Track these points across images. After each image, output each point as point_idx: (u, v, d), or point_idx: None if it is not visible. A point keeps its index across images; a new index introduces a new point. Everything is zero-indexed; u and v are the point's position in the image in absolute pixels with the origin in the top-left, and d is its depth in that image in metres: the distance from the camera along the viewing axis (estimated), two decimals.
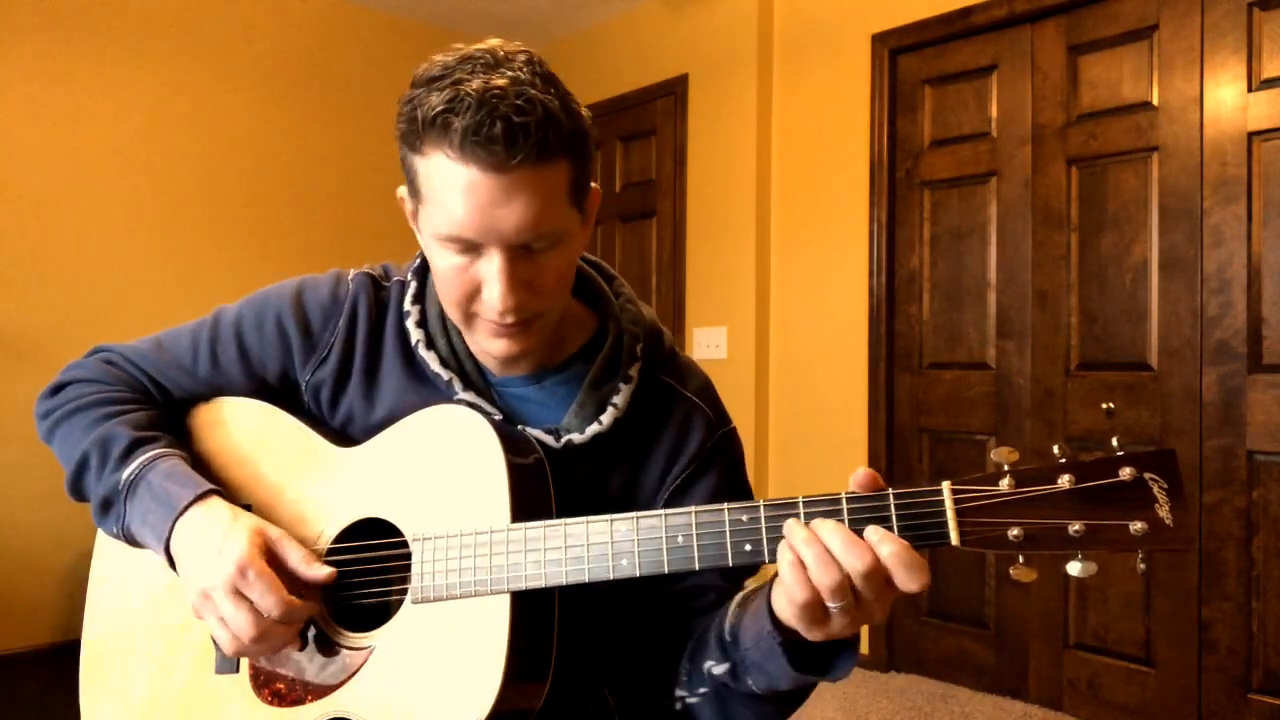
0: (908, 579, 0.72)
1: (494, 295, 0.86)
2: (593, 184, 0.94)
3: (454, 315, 0.92)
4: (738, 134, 3.64)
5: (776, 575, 0.81)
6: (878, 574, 0.73)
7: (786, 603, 0.76)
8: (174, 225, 3.61)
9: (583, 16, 4.18)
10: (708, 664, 0.90)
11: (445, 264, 0.88)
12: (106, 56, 3.44)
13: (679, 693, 0.95)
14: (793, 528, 0.75)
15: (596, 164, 0.94)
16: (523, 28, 4.30)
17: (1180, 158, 2.63)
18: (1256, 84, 2.50)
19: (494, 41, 0.86)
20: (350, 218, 4.09)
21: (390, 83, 4.20)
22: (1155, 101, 2.68)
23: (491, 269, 0.85)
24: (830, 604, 0.74)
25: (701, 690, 0.92)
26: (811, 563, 0.73)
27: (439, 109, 0.80)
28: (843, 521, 0.75)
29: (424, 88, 0.83)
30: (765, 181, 3.61)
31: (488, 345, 0.92)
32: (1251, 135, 2.50)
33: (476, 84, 0.80)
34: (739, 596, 0.91)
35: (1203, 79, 2.58)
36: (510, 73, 0.82)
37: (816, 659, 0.82)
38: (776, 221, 3.61)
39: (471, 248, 0.85)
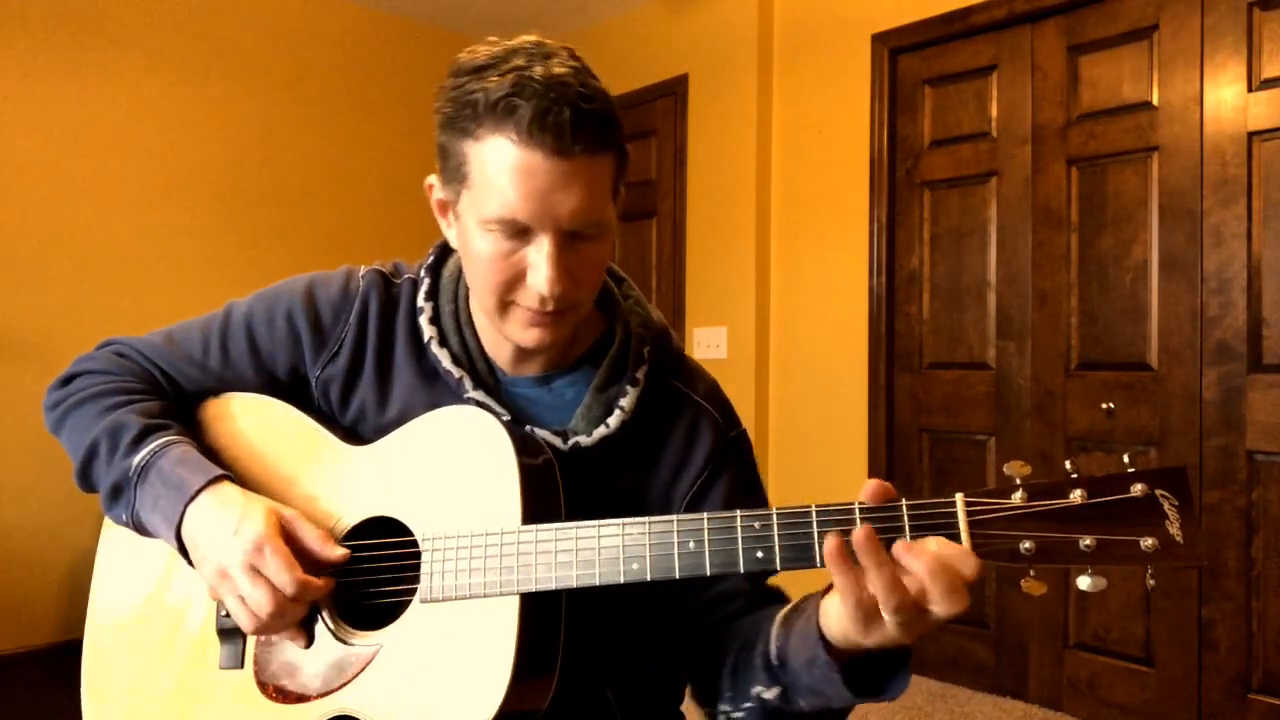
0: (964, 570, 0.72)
1: (540, 280, 0.86)
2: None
3: (488, 303, 0.92)
4: (738, 134, 3.64)
5: (823, 592, 0.80)
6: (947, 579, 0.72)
7: (843, 612, 0.75)
8: (175, 225, 3.60)
9: (583, 16, 4.19)
10: (756, 689, 0.89)
11: (489, 249, 0.87)
12: (107, 57, 3.44)
13: (722, 707, 0.95)
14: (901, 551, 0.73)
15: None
16: (523, 28, 4.25)
17: (1180, 158, 2.63)
18: (1256, 84, 2.50)
19: (533, 36, 0.88)
20: (353, 217, 4.09)
21: (391, 82, 4.21)
22: (1155, 101, 2.68)
23: (540, 255, 0.86)
24: (890, 617, 0.73)
25: (747, 706, 0.92)
26: (879, 585, 0.72)
27: (503, 93, 0.81)
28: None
29: (471, 75, 0.84)
30: (765, 181, 3.61)
31: (520, 334, 0.92)
32: (1251, 135, 2.50)
33: (539, 70, 0.82)
34: (780, 615, 0.90)
35: (1203, 79, 2.59)
36: (568, 63, 0.84)
37: (872, 680, 0.82)
38: (776, 221, 3.61)
39: (520, 233, 0.86)
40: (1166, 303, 2.65)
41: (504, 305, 0.91)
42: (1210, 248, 2.57)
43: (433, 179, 0.94)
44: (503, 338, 0.96)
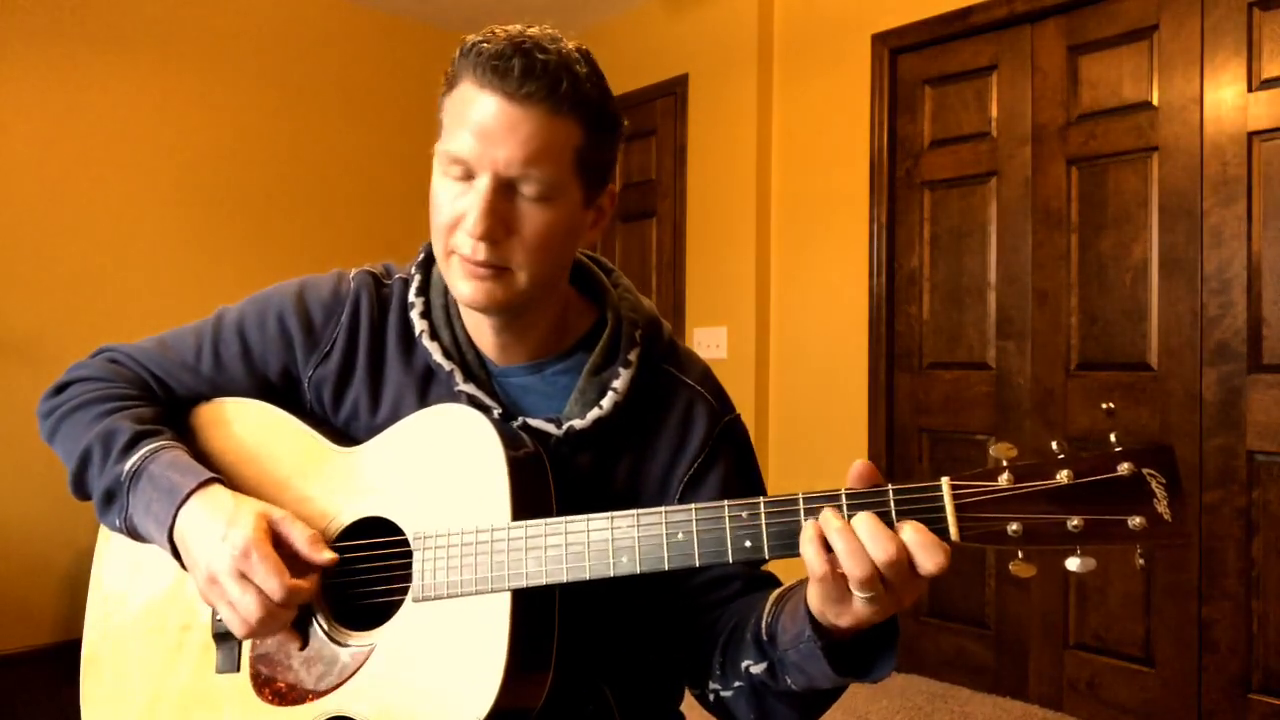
0: (926, 559, 0.73)
1: (471, 220, 0.88)
2: (611, 183, 0.98)
3: (437, 250, 0.94)
4: (738, 134, 3.64)
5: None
6: (902, 563, 0.73)
7: (816, 591, 0.77)
8: (174, 225, 3.61)
9: (583, 16, 4.19)
10: (745, 663, 0.91)
11: (439, 189, 0.91)
12: (107, 57, 3.44)
13: (712, 685, 0.97)
14: (829, 518, 0.75)
15: (618, 163, 0.99)
16: None
17: (1180, 158, 2.63)
18: (1256, 84, 2.50)
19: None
20: (351, 217, 4.09)
21: (390, 82, 4.21)
22: (1155, 101, 2.68)
23: (475, 194, 0.87)
24: (857, 593, 0.75)
25: (737, 684, 0.93)
26: (842, 552, 0.74)
27: (474, 42, 0.87)
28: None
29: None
30: (765, 181, 3.61)
31: (459, 287, 0.93)
32: (1251, 135, 2.50)
33: (514, 28, 0.88)
34: (774, 594, 0.92)
35: (1203, 79, 2.58)
36: (548, 33, 0.89)
37: (856, 661, 0.83)
38: (776, 221, 3.61)
39: (467, 175, 0.88)
40: (1166, 303, 2.65)
41: (448, 254, 0.92)
42: (1210, 248, 2.57)
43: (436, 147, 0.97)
44: (460, 302, 0.97)
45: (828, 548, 0.75)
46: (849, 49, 3.36)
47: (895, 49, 3.23)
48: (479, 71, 0.86)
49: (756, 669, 0.90)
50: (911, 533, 0.73)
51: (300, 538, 0.91)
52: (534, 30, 0.88)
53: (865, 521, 0.74)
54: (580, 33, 4.28)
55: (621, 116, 0.95)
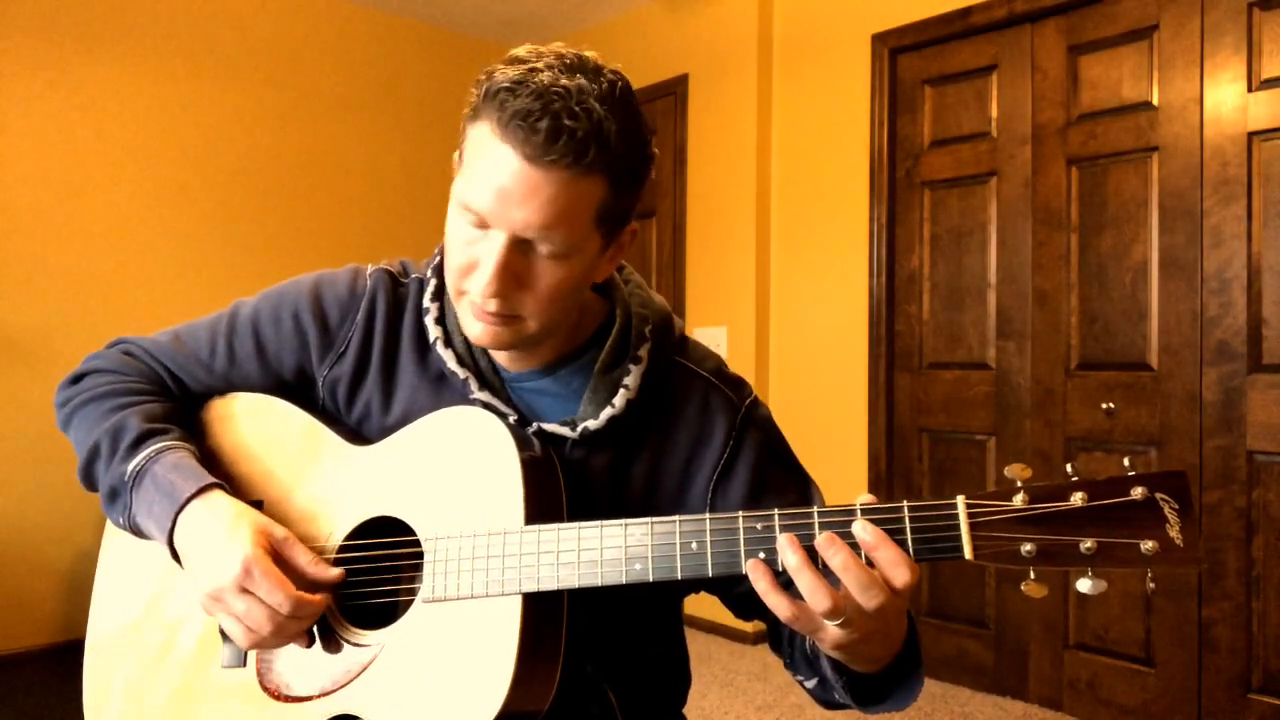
0: (894, 574, 0.75)
1: (482, 277, 0.86)
2: (632, 225, 0.94)
3: (449, 285, 0.92)
4: (738, 134, 3.64)
5: None
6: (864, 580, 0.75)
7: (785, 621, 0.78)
8: (176, 225, 3.60)
9: (583, 16, 4.19)
10: (799, 677, 0.98)
11: (456, 231, 0.88)
12: (107, 56, 3.44)
13: (786, 661, 1.02)
14: (788, 554, 0.77)
15: (635, 202, 0.94)
16: (523, 28, 4.30)
17: (1180, 158, 2.63)
18: (1256, 84, 2.50)
19: (591, 53, 0.87)
20: (351, 217, 4.09)
21: (393, 82, 4.21)
22: (1155, 101, 2.68)
23: (489, 251, 0.85)
24: (828, 622, 0.76)
25: (806, 684, 0.98)
26: (805, 590, 0.76)
27: (504, 84, 0.82)
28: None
29: (504, 65, 0.85)
30: (765, 181, 3.61)
31: (467, 325, 0.92)
32: (1251, 135, 2.50)
33: (547, 76, 0.81)
34: None
35: (1203, 79, 2.59)
36: (584, 80, 0.82)
37: (882, 687, 0.87)
38: (776, 221, 3.61)
39: (483, 224, 0.85)
40: (1166, 303, 2.65)
41: (459, 293, 0.91)
42: (1210, 248, 2.57)
43: (456, 155, 0.95)
44: (468, 338, 0.96)
45: (787, 585, 0.77)
46: (849, 49, 3.36)
47: (895, 49, 3.24)
48: (504, 122, 0.81)
49: (809, 684, 0.95)
50: (880, 548, 0.75)
51: (303, 561, 0.90)
52: (568, 81, 0.81)
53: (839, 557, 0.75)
54: (580, 33, 4.28)
55: (651, 156, 0.90)
